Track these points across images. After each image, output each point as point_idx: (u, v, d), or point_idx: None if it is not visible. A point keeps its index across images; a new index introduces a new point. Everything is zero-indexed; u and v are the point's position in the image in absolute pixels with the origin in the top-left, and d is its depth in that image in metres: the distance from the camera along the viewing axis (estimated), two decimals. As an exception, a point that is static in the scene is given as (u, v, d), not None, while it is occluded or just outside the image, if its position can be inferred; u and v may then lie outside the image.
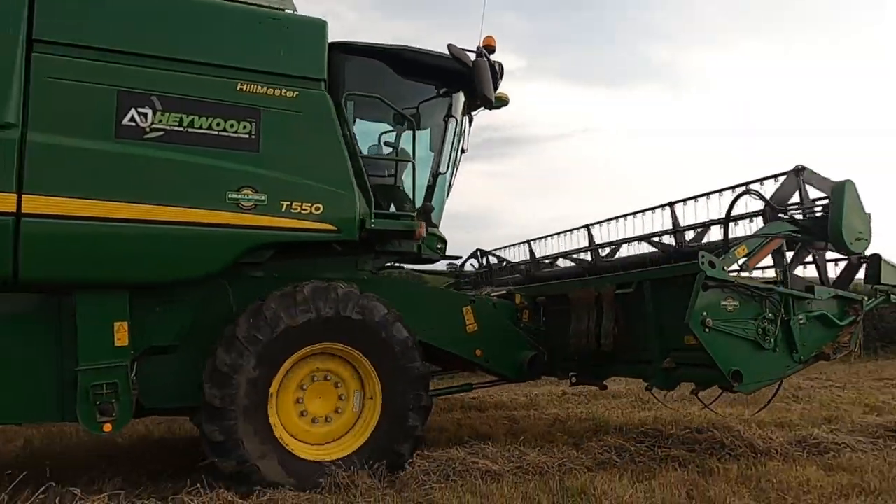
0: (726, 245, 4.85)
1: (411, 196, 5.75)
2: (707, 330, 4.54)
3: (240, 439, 4.56)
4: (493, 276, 9.20)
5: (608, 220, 6.97)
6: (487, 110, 6.35)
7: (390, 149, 6.12)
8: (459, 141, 6.26)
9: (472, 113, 6.51)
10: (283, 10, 5.08)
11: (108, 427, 4.50)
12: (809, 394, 6.72)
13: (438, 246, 6.10)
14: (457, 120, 6.15)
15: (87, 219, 4.31)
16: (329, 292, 4.89)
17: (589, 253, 7.24)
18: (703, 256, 4.54)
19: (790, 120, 42.12)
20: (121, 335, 4.55)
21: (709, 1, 42.74)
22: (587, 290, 5.76)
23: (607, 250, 7.05)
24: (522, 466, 4.94)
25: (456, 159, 6.29)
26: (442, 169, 6.05)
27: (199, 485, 4.33)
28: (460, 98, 6.16)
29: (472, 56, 5.73)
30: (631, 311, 5.40)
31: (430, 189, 5.98)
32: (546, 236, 8.26)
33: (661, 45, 43.18)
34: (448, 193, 6.36)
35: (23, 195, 4.16)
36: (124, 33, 4.53)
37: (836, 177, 5.25)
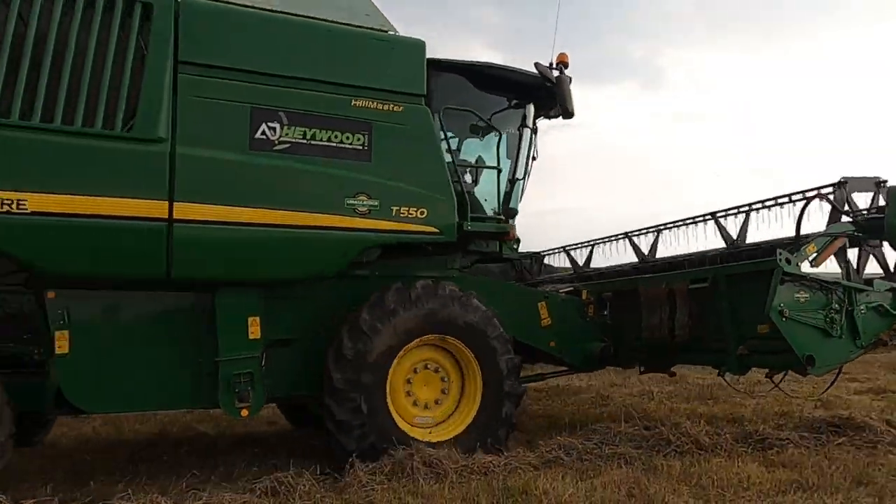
0: (797, 243, 5.34)
1: (496, 200, 6.23)
2: (784, 319, 5.03)
3: (362, 419, 5.04)
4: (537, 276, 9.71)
5: (679, 221, 7.47)
6: (560, 120, 6.84)
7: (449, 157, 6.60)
8: (531, 149, 6.76)
9: (537, 122, 7.01)
10: (387, 31, 5.56)
11: (245, 412, 4.98)
12: (766, 388, 6.79)
13: (514, 246, 6.63)
14: (530, 129, 6.65)
15: (228, 223, 4.76)
16: (465, 297, 5.49)
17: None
18: (780, 254, 5.03)
19: (787, 118, 42.92)
20: (254, 329, 5.04)
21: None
22: (658, 286, 6.24)
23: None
24: (469, 466, 4.88)
25: (528, 166, 6.78)
26: (518, 175, 6.54)
27: (130, 490, 4.36)
28: (531, 109, 6.66)
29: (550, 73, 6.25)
30: (704, 304, 5.89)
31: (508, 195, 6.46)
32: (608, 238, 8.75)
33: (645, 42, 43.80)
34: (521, 198, 6.84)
35: (174, 203, 4.61)
36: (256, 55, 4.98)
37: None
